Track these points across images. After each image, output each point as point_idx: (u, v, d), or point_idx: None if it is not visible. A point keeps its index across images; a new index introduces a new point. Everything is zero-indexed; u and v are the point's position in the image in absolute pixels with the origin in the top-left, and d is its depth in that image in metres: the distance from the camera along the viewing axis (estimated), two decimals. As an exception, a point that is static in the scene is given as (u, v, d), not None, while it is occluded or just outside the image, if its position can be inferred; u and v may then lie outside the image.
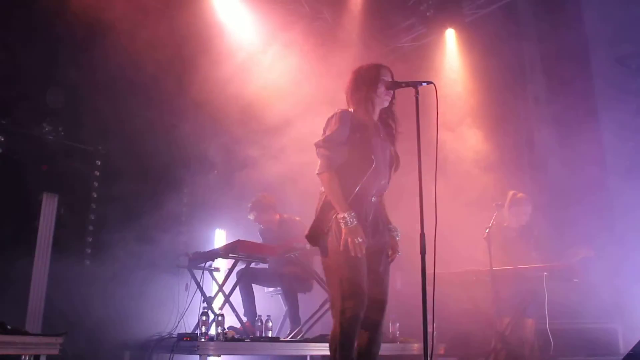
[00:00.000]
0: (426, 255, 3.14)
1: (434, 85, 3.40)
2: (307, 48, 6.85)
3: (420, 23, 7.92)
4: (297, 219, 6.07)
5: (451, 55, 7.87)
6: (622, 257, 5.99)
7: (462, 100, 7.49)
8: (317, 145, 3.37)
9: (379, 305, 3.28)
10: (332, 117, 3.42)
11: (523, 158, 7.58)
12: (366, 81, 3.48)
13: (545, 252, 5.75)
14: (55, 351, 3.55)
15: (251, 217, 6.19)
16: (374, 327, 3.27)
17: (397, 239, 3.51)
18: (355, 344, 3.16)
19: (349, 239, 3.13)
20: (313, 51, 6.84)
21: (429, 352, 3.05)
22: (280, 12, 6.99)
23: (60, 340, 3.59)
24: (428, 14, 7.65)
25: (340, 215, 3.17)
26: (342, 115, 3.38)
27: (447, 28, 7.83)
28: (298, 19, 7.12)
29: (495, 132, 7.30)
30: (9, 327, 3.53)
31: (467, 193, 6.46)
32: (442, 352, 5.77)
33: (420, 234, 3.17)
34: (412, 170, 3.52)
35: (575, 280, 5.20)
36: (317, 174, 3.33)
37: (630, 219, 6.18)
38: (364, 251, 3.14)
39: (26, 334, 3.68)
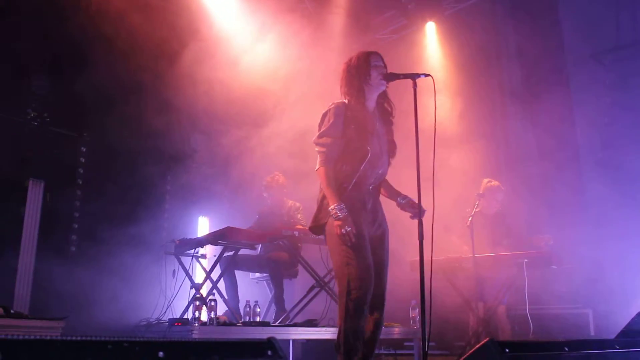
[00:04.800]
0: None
1: (432, 77, 3.52)
2: (287, 37, 6.88)
3: (401, 15, 8.04)
4: (298, 204, 6.17)
5: (431, 47, 8.01)
6: (594, 246, 6.23)
7: (440, 93, 7.60)
8: (314, 142, 3.45)
9: (380, 290, 3.38)
10: (326, 112, 3.47)
11: (498, 148, 7.78)
12: (358, 71, 3.51)
13: (515, 241, 5.91)
14: (57, 334, 3.59)
15: (265, 194, 6.28)
16: (378, 312, 3.37)
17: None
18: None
19: (338, 230, 3.22)
20: (293, 40, 6.87)
21: (427, 337, 3.17)
22: (262, 1, 6.99)
23: (62, 324, 3.64)
24: (409, 6, 7.78)
25: (331, 206, 3.27)
26: (336, 110, 3.44)
27: (427, 21, 7.97)
28: (279, 8, 7.13)
29: (471, 123, 7.47)
30: (12, 311, 3.55)
31: (445, 182, 6.62)
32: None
33: (419, 221, 3.31)
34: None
35: (553, 267, 5.41)
36: (315, 170, 3.43)
37: (602, 214, 6.40)
38: (353, 239, 3.21)
39: (29, 318, 3.70)
